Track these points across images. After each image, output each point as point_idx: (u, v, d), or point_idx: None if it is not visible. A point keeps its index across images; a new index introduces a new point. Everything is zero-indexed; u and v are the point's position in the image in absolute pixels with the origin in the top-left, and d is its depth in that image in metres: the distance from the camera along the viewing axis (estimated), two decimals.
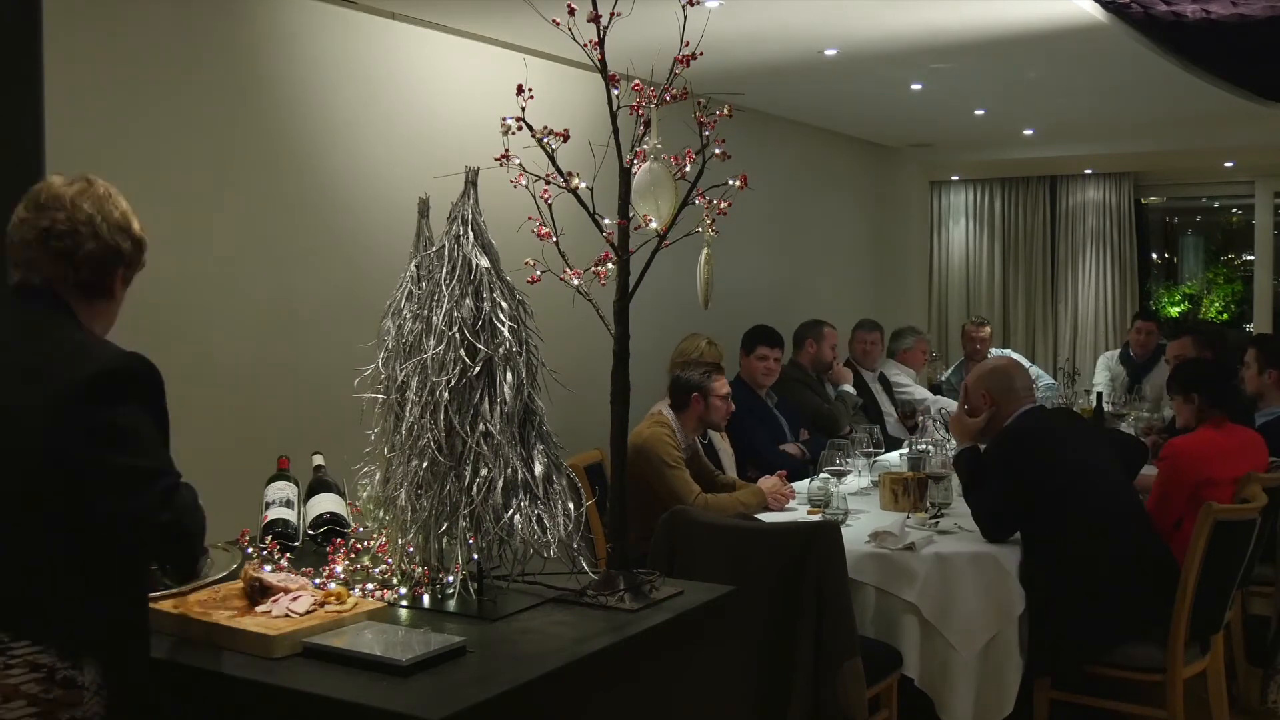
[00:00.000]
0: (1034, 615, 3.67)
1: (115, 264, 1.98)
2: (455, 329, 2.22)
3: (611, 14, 2.22)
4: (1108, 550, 3.68)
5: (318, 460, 2.86)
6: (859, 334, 6.63)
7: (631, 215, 2.31)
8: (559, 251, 2.30)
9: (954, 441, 4.53)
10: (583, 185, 2.30)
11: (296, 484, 2.73)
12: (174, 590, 2.19)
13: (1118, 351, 7.60)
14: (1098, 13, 4.79)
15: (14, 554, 1.79)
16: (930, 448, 4.61)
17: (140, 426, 1.83)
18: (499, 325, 2.23)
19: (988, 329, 7.40)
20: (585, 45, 2.24)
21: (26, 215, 1.94)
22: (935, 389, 7.17)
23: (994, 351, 7.43)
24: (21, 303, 1.94)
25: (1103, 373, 7.38)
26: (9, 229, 1.97)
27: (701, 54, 2.31)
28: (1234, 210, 10.33)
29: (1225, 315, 9.89)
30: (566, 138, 2.28)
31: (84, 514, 1.79)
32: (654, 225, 2.32)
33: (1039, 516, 3.72)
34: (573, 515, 2.24)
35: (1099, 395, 6.44)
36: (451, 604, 2.24)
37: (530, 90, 2.27)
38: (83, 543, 1.80)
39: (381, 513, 2.35)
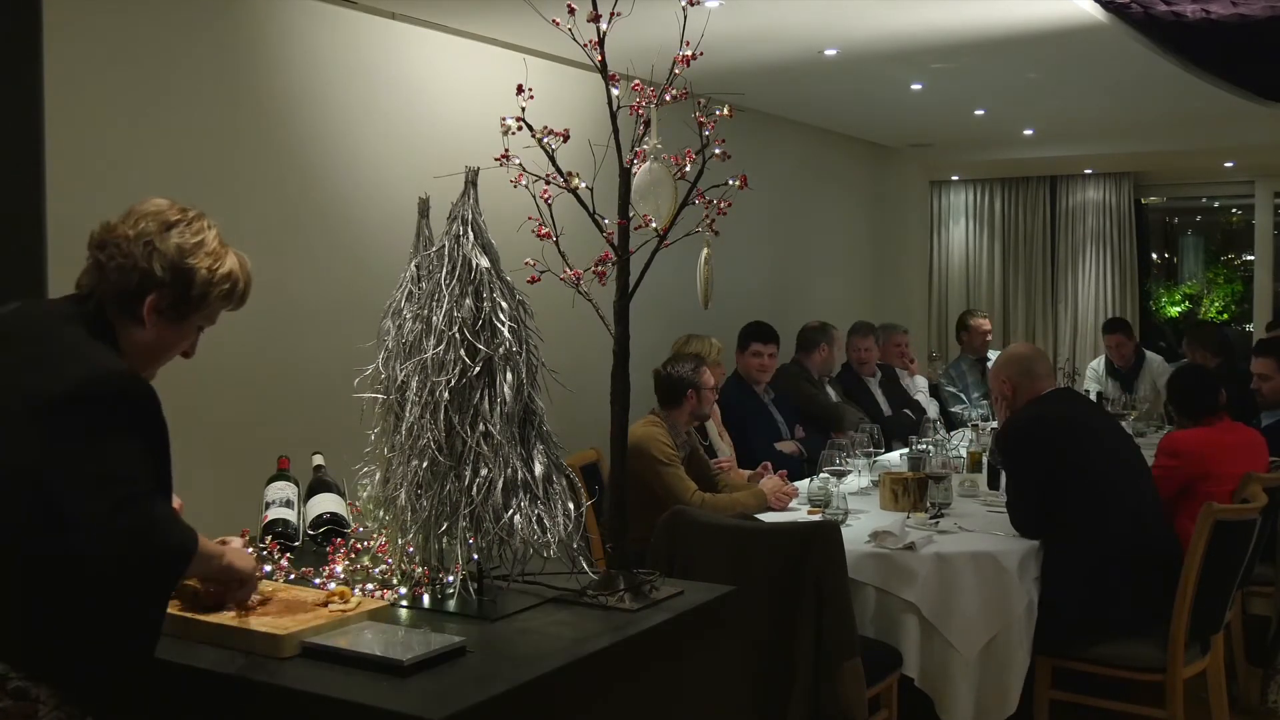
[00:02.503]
0: (1045, 592, 3.70)
1: (144, 288, 1.92)
2: (455, 329, 2.22)
3: (611, 14, 2.22)
4: (1126, 535, 3.71)
5: (318, 460, 2.86)
6: (854, 339, 6.54)
7: (631, 215, 2.31)
8: (559, 251, 2.30)
9: (954, 441, 4.58)
10: (583, 185, 2.31)
11: (296, 484, 2.73)
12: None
13: (1102, 360, 7.60)
14: (1098, 13, 4.79)
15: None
16: (930, 448, 4.62)
17: (112, 437, 1.76)
18: (499, 325, 2.23)
19: (988, 321, 7.40)
20: (585, 45, 2.24)
21: (107, 221, 1.97)
22: (934, 388, 7.17)
23: (993, 353, 7.43)
24: (57, 304, 1.93)
25: (1091, 383, 7.37)
26: None
27: (701, 54, 2.31)
28: (1234, 210, 10.33)
29: (1225, 315, 9.89)
30: (566, 138, 2.28)
31: (46, 523, 1.72)
32: (654, 225, 2.32)
33: (1062, 497, 3.75)
34: (573, 515, 2.24)
35: (1099, 395, 6.44)
36: (451, 604, 2.24)
37: (530, 90, 2.27)
38: (39, 552, 1.73)
39: (381, 513, 2.35)
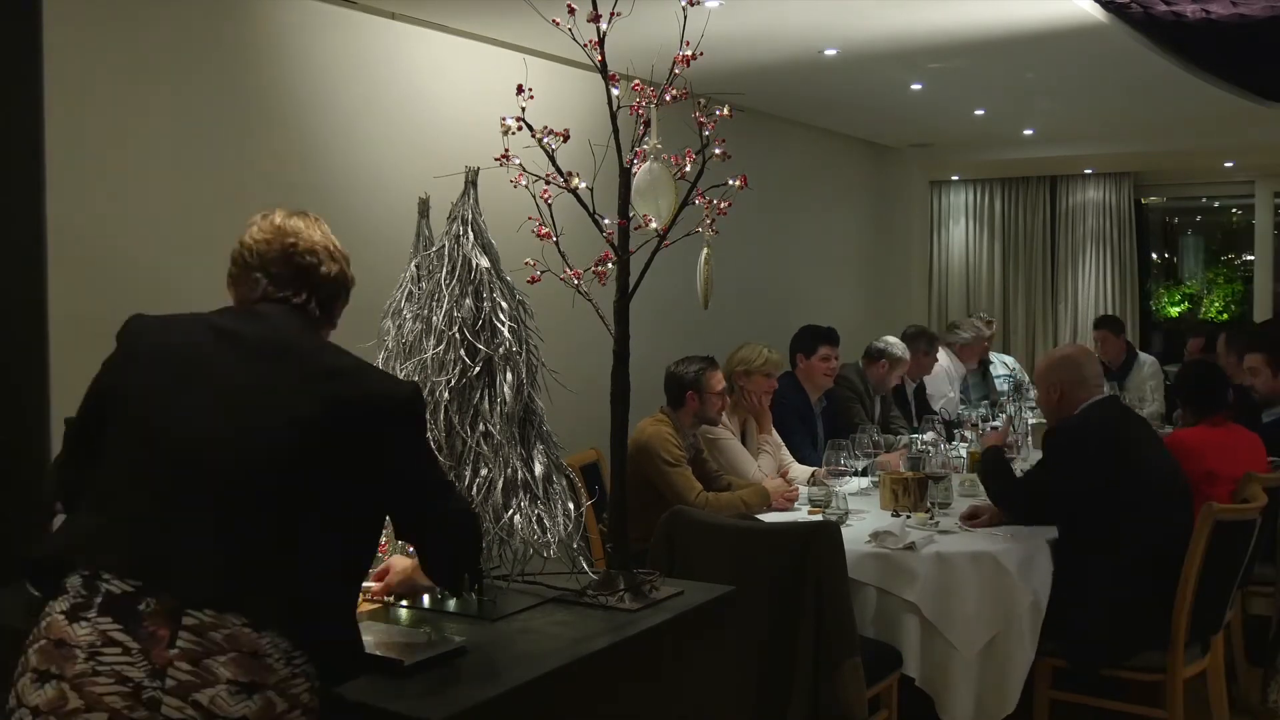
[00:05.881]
0: (1066, 605, 3.67)
1: (342, 292, 2.01)
2: (455, 329, 2.22)
3: (611, 14, 2.22)
4: (1168, 560, 3.66)
5: None
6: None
7: (631, 215, 2.32)
8: (559, 251, 2.30)
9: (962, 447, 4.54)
10: (583, 185, 2.31)
11: None
12: None
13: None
14: (1098, 13, 4.79)
15: (301, 558, 1.70)
16: (930, 448, 4.62)
17: (430, 445, 1.94)
18: (499, 325, 2.23)
19: (993, 325, 7.37)
20: (585, 45, 2.24)
21: (264, 235, 1.95)
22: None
23: (993, 354, 7.42)
24: (277, 314, 1.91)
25: None
26: (242, 248, 1.95)
27: (701, 54, 2.31)
28: (1234, 210, 10.33)
29: (1225, 315, 9.89)
30: (566, 138, 2.28)
31: (354, 519, 1.77)
32: (654, 225, 2.32)
33: (1103, 514, 3.70)
34: (573, 515, 2.24)
35: None
36: (451, 604, 2.24)
37: (530, 90, 2.27)
38: (348, 550, 1.77)
39: None
